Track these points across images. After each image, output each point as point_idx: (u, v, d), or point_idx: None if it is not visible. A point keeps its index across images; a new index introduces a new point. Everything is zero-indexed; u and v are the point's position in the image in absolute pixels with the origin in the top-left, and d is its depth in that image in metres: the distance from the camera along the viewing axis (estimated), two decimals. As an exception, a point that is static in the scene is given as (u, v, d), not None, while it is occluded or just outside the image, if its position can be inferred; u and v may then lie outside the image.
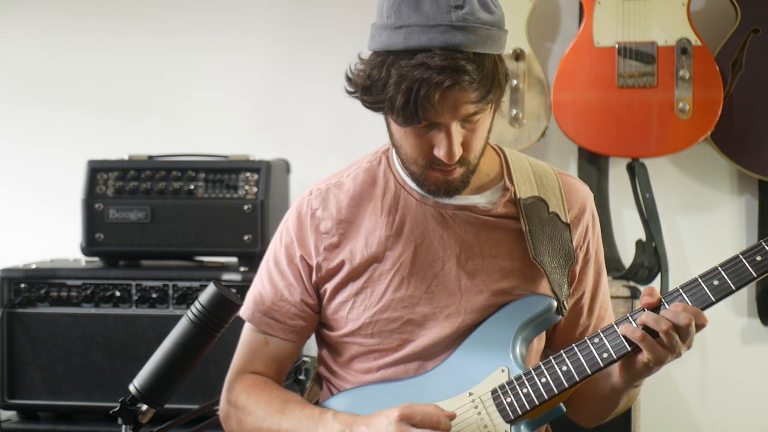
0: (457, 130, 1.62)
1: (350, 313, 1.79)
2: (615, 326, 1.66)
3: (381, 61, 1.60)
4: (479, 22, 1.57)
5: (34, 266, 2.93)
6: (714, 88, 2.94)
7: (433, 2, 1.56)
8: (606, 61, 2.97)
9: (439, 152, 1.63)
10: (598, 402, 1.81)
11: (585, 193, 1.86)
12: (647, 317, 1.61)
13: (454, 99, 1.58)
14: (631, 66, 2.96)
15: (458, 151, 1.63)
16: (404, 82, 1.56)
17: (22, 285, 2.87)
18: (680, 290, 1.65)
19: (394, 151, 1.77)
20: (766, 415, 3.21)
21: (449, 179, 1.69)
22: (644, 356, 1.62)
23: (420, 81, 1.55)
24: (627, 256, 3.14)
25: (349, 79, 1.69)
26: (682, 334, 1.60)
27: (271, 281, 1.86)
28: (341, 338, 1.82)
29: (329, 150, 3.32)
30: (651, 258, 3.05)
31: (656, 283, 3.04)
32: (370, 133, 3.24)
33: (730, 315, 3.18)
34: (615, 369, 1.71)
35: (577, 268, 1.83)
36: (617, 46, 2.97)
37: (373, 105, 1.65)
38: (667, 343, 1.60)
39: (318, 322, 1.88)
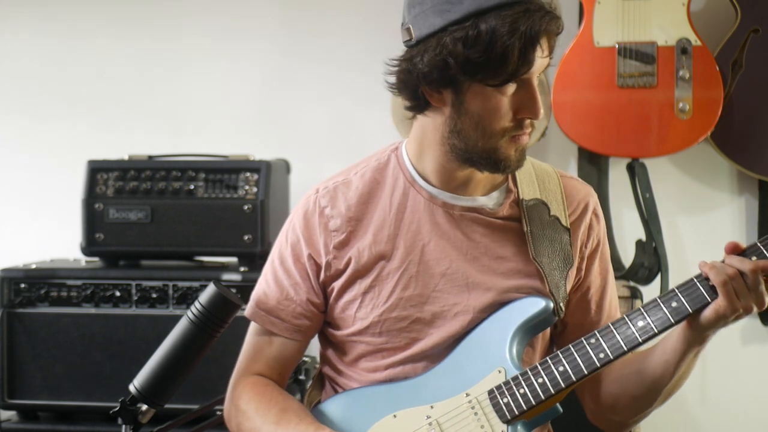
0: (536, 85, 1.67)
1: (358, 312, 1.79)
2: (611, 326, 1.66)
3: (473, 23, 1.61)
4: None
5: (34, 266, 2.92)
6: (714, 88, 2.94)
7: None
8: (606, 61, 2.97)
9: (529, 110, 1.67)
10: (648, 382, 1.76)
11: (586, 193, 1.86)
12: (714, 263, 1.62)
13: (547, 44, 1.65)
14: (631, 66, 2.96)
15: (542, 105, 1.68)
16: (515, 32, 1.59)
17: (22, 285, 2.87)
18: (676, 291, 1.65)
19: (443, 144, 1.73)
20: (766, 415, 3.21)
21: (522, 146, 1.71)
22: (718, 303, 1.60)
23: (531, 27, 1.59)
24: (627, 256, 3.14)
25: (407, 73, 1.69)
26: (748, 281, 1.59)
27: (277, 280, 1.85)
28: (348, 337, 1.82)
29: (329, 150, 3.32)
30: (651, 258, 3.05)
31: (656, 283, 3.04)
32: (371, 132, 3.27)
33: (730, 315, 3.18)
34: (667, 342, 1.70)
35: (584, 265, 1.82)
36: (617, 46, 2.97)
37: (467, 74, 1.64)
38: (738, 289, 1.59)
39: (323, 321, 1.88)
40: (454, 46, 1.62)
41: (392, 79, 1.73)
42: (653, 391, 1.76)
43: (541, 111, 1.68)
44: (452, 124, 1.70)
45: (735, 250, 1.64)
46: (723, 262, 1.63)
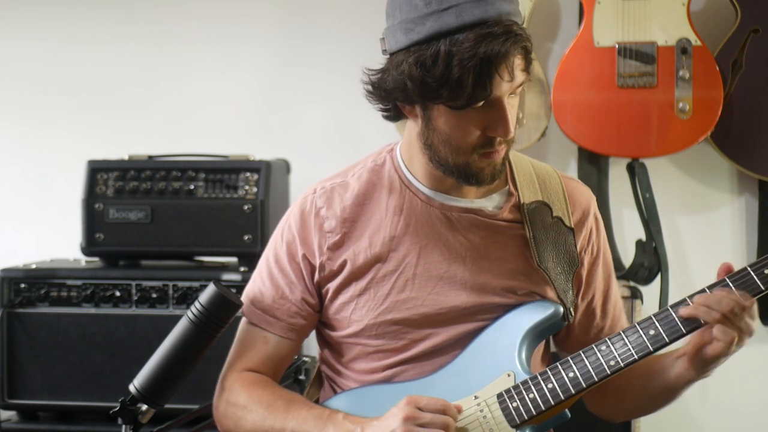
0: (508, 104, 1.64)
1: (353, 314, 1.79)
2: (622, 334, 1.67)
3: (432, 47, 1.58)
4: None
5: (34, 266, 2.92)
6: (714, 88, 2.94)
7: None
8: (606, 61, 2.97)
9: (497, 129, 1.64)
10: (651, 397, 1.80)
11: (588, 196, 1.86)
12: (700, 302, 1.62)
13: (513, 67, 1.60)
14: (631, 66, 2.96)
15: (514, 125, 1.64)
16: (473, 56, 1.56)
17: (22, 285, 2.86)
18: (688, 300, 1.65)
19: (419, 148, 1.73)
20: (766, 415, 3.21)
21: (495, 162, 1.69)
22: (715, 342, 1.61)
23: (489, 51, 1.56)
24: (627, 256, 3.13)
25: (377, 87, 1.69)
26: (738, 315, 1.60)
27: (272, 279, 1.85)
28: (344, 339, 1.82)
29: (329, 150, 3.32)
30: (651, 258, 3.05)
31: (656, 283, 3.05)
32: (371, 132, 3.26)
33: (730, 315, 3.18)
34: (671, 363, 1.71)
35: (584, 272, 1.83)
36: (617, 46, 2.97)
37: (425, 98, 1.63)
38: (732, 323, 1.60)
39: (318, 321, 1.87)
40: (411, 69, 1.61)
41: (368, 88, 1.72)
42: (655, 405, 1.82)
43: (512, 131, 1.65)
44: (424, 137, 1.70)
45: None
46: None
